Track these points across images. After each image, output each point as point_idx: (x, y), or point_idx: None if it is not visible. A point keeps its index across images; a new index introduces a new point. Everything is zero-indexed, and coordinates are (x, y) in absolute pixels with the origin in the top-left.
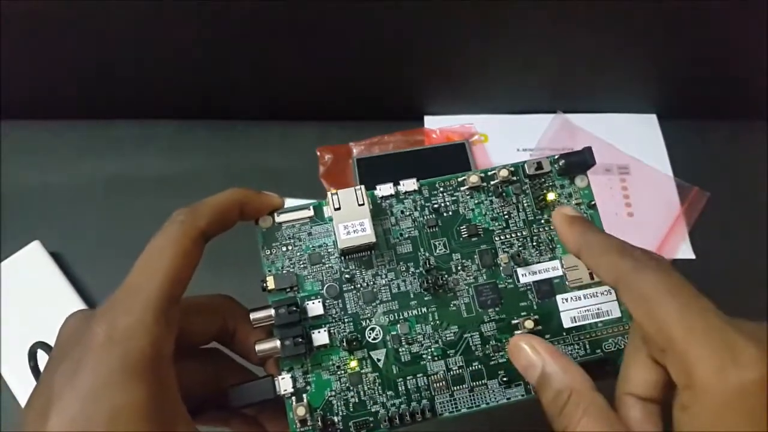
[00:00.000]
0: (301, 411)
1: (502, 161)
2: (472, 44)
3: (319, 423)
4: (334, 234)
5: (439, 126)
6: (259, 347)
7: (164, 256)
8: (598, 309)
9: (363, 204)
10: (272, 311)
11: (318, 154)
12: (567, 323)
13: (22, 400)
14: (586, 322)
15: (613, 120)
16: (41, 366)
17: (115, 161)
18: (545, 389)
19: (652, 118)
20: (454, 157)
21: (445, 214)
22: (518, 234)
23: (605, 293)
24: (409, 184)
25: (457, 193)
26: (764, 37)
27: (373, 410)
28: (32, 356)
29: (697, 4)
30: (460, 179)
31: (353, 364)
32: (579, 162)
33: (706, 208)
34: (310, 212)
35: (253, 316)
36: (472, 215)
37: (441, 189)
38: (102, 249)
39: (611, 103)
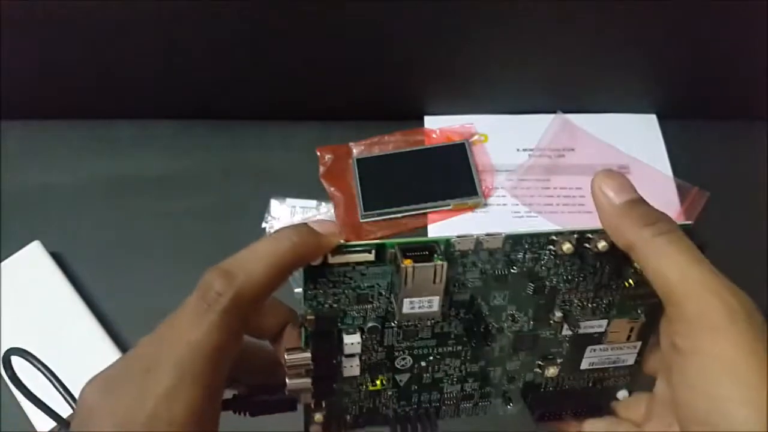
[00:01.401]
0: (319, 418)
1: (502, 161)
2: (472, 44)
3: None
4: (393, 303)
5: (439, 126)
6: (289, 357)
7: (191, 362)
8: (617, 358)
9: (440, 282)
10: (309, 357)
11: (318, 154)
12: (584, 366)
13: (23, 400)
14: (602, 366)
15: (613, 120)
16: (19, 373)
17: (115, 161)
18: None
19: (652, 118)
20: (454, 157)
21: (517, 270)
22: (583, 296)
23: (630, 348)
24: (494, 241)
25: (540, 251)
26: (764, 37)
27: (383, 412)
28: (7, 364)
29: (697, 4)
30: (550, 238)
31: (377, 383)
32: None
33: (706, 208)
34: (371, 256)
35: (288, 357)
36: (547, 274)
37: (526, 245)
38: (102, 249)
39: (611, 103)
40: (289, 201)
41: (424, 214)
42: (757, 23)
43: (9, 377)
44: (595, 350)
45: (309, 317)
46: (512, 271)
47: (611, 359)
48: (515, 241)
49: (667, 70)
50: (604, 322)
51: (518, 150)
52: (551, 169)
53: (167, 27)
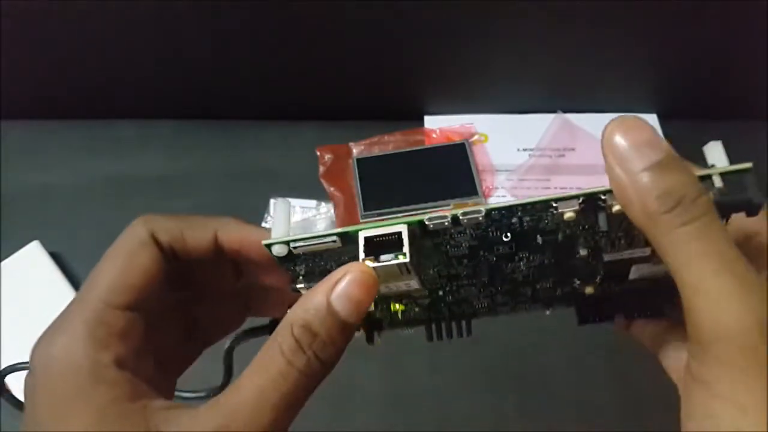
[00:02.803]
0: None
1: (502, 161)
2: (472, 44)
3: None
4: None
5: (439, 126)
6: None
7: (107, 261)
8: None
9: (409, 273)
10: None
11: (318, 154)
12: (633, 276)
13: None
14: (655, 277)
15: None
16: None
17: (115, 161)
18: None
19: (652, 118)
20: (454, 157)
21: (511, 237)
22: (609, 237)
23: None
24: (472, 219)
25: (540, 214)
26: (764, 37)
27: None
28: (2, 387)
29: (697, 4)
30: (550, 205)
31: (397, 306)
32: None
33: None
34: (337, 243)
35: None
36: (556, 228)
37: (519, 213)
38: (102, 249)
39: (611, 102)
40: (289, 201)
41: (424, 214)
42: (757, 23)
43: (6, 399)
44: (642, 267)
45: (303, 291)
46: (505, 239)
47: (663, 270)
48: (502, 214)
49: (668, 70)
50: (648, 249)
51: (518, 150)
52: (551, 169)
53: (167, 27)
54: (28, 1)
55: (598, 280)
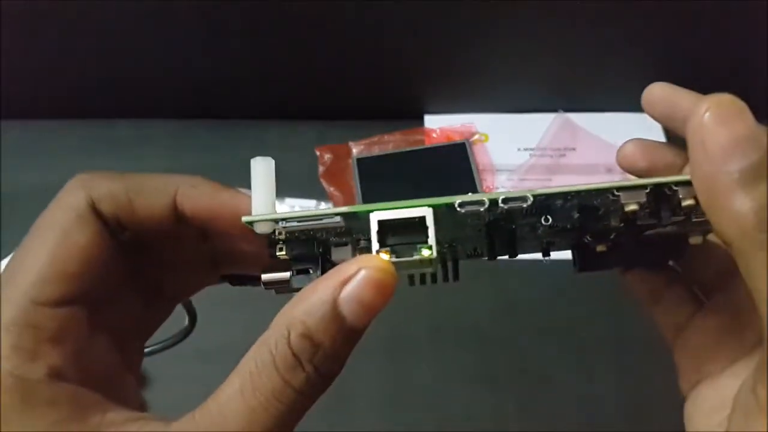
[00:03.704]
0: None
1: (502, 161)
2: (473, 43)
3: None
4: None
5: (439, 125)
6: (265, 277)
7: (33, 243)
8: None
9: (431, 264)
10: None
11: (318, 153)
12: (647, 233)
13: None
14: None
15: (614, 119)
16: None
17: (115, 161)
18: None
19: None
20: (455, 156)
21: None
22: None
23: None
24: (516, 206)
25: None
26: (764, 37)
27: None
28: None
29: (698, 5)
30: (608, 194)
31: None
32: None
33: None
34: (340, 223)
35: (265, 277)
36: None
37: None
38: None
39: (613, 102)
40: (289, 201)
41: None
42: (758, 23)
43: None
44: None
45: (283, 257)
46: (544, 222)
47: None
48: (549, 201)
49: (668, 70)
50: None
51: (519, 149)
52: (552, 168)
53: (167, 26)
54: (28, 1)
55: (612, 237)
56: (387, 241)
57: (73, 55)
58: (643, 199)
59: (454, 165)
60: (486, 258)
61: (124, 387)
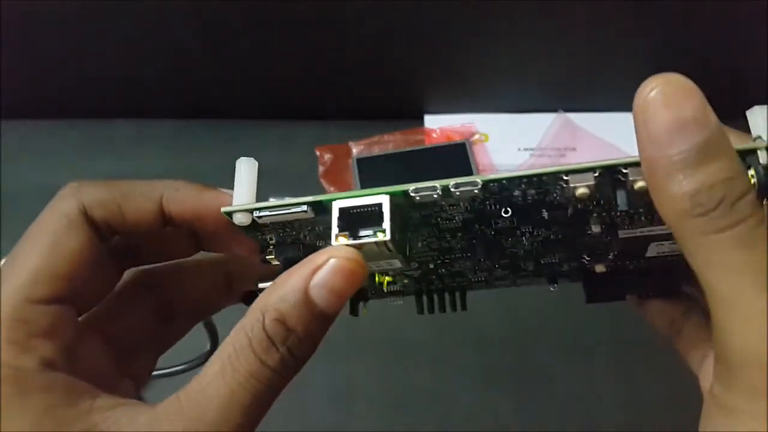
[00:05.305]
0: None
1: (503, 161)
2: (473, 43)
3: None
4: None
5: (440, 125)
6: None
7: (27, 245)
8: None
9: (390, 251)
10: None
11: (317, 153)
12: (651, 254)
13: None
14: (675, 254)
15: (615, 119)
16: None
17: (115, 161)
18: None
19: None
20: (455, 156)
21: (511, 212)
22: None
23: None
24: (466, 192)
25: (548, 188)
26: (764, 37)
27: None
28: None
29: (698, 4)
30: (559, 177)
31: (384, 278)
32: None
33: None
34: (309, 214)
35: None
36: (565, 203)
37: (523, 187)
38: None
39: (613, 102)
40: (289, 201)
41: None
42: (758, 23)
43: None
44: (662, 244)
45: (273, 262)
46: (504, 214)
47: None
48: (502, 187)
49: (668, 69)
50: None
51: (519, 149)
52: None
53: (167, 26)
54: (28, 1)
55: (611, 257)
56: (354, 230)
57: (73, 55)
58: (592, 182)
59: (454, 165)
60: (486, 287)
61: (118, 388)
